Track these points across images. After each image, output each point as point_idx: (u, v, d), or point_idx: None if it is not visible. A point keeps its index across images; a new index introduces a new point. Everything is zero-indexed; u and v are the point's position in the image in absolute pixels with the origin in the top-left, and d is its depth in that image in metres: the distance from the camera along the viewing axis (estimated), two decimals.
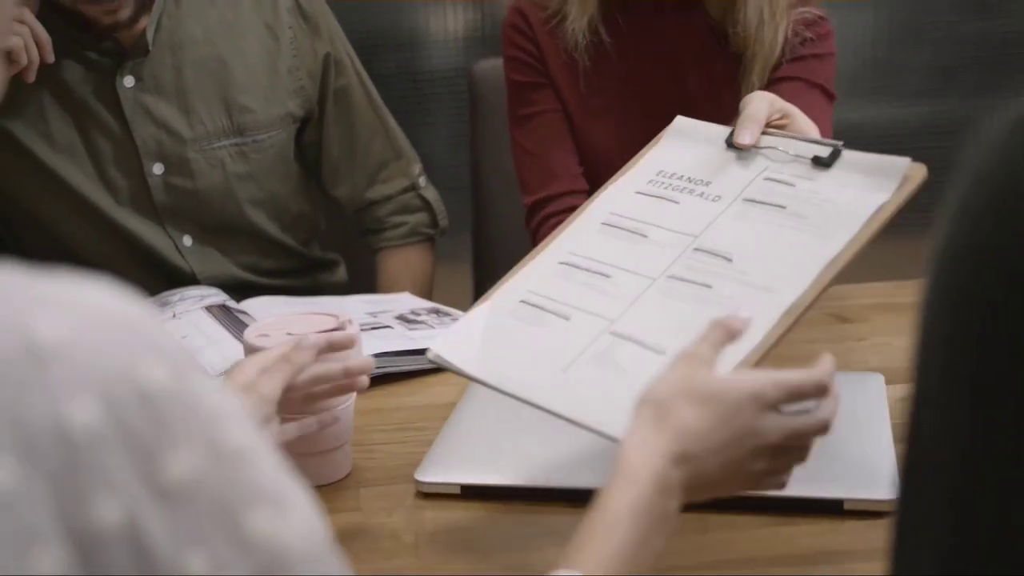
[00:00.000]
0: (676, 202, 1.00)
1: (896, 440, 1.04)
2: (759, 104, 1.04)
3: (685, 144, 1.05)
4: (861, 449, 1.03)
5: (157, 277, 1.52)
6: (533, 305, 0.96)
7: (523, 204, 1.53)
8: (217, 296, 1.45)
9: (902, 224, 0.94)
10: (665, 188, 1.02)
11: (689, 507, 0.96)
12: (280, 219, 1.61)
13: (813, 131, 1.04)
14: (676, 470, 0.74)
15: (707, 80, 1.44)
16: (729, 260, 0.92)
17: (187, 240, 1.54)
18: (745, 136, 1.02)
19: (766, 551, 0.92)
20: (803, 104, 1.09)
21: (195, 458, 0.43)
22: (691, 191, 1.00)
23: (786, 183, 0.96)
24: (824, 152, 0.97)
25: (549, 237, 1.02)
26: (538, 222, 1.50)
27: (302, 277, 1.67)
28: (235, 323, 1.34)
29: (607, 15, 1.44)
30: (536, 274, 0.99)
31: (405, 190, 1.68)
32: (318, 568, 0.47)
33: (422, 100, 2.23)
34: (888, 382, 1.16)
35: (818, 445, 1.03)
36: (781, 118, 1.05)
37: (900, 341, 1.29)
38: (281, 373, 0.91)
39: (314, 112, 1.59)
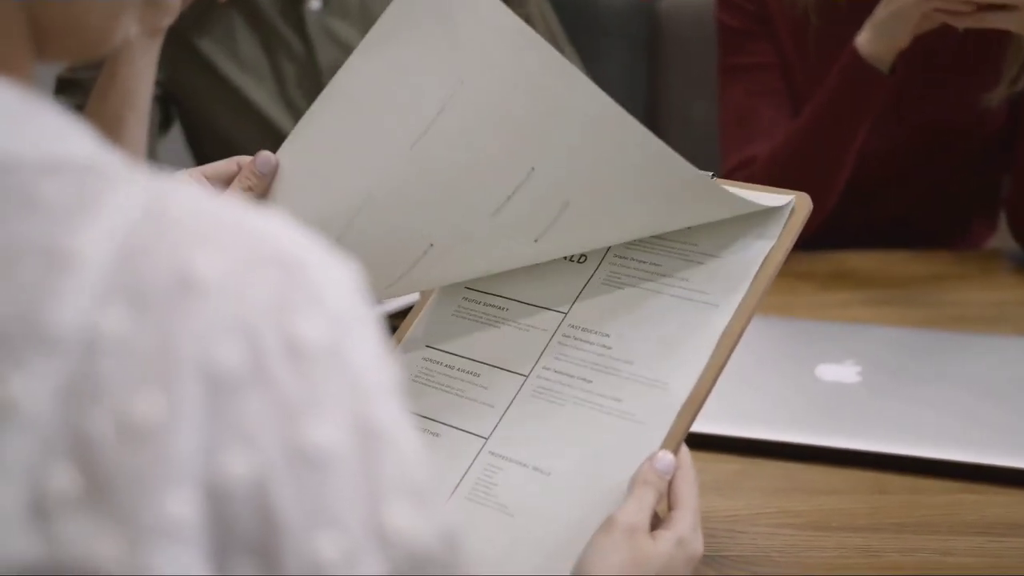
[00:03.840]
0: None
1: None
2: None
3: None
4: None
5: None
6: None
7: (719, 171, 1.35)
8: None
9: None
10: None
11: (864, 466, 0.94)
12: None
13: None
14: None
15: (956, 44, 1.33)
16: (608, 347, 0.77)
17: None
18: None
19: (948, 518, 0.88)
20: None
21: (338, 429, 0.40)
22: None
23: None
24: None
25: (406, 320, 0.86)
26: None
27: None
28: None
29: None
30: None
31: None
32: (453, 572, 0.43)
33: (593, 36, 2.20)
34: None
35: (1008, 413, 0.99)
36: None
37: None
38: None
39: None
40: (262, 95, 1.51)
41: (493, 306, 0.83)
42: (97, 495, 0.36)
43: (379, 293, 0.83)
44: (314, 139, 0.81)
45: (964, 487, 0.92)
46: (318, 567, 0.39)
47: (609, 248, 0.82)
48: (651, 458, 0.71)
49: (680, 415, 0.72)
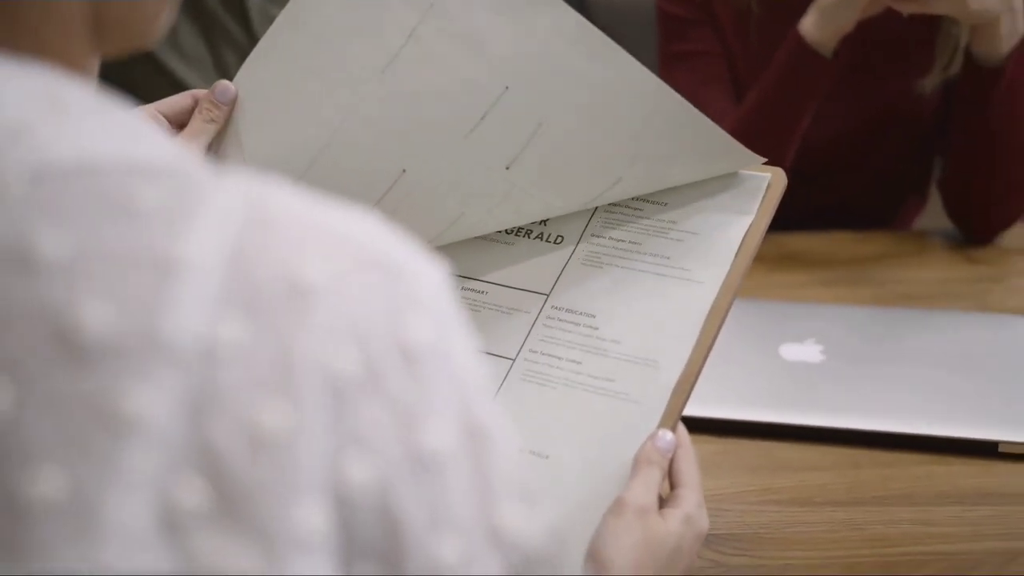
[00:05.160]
0: (508, 244, 0.84)
1: None
2: None
3: None
4: (1014, 392, 1.02)
5: None
6: None
7: None
8: None
9: None
10: None
11: (839, 442, 0.97)
12: None
13: None
14: None
15: (897, 28, 1.34)
16: (595, 327, 0.78)
17: None
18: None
19: (922, 489, 0.92)
20: None
21: (450, 431, 0.40)
22: (528, 231, 0.84)
23: (631, 207, 0.82)
24: None
25: None
26: None
27: None
28: None
29: None
30: None
31: None
32: (562, 572, 0.44)
33: None
34: None
35: (969, 387, 1.03)
36: None
37: None
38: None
39: None
40: (204, 86, 1.48)
41: (472, 290, 0.83)
42: (229, 507, 0.36)
43: None
44: (274, 67, 0.80)
45: (934, 459, 0.96)
46: (439, 569, 0.39)
47: (585, 227, 0.82)
48: (651, 437, 0.71)
49: (674, 393, 0.73)
